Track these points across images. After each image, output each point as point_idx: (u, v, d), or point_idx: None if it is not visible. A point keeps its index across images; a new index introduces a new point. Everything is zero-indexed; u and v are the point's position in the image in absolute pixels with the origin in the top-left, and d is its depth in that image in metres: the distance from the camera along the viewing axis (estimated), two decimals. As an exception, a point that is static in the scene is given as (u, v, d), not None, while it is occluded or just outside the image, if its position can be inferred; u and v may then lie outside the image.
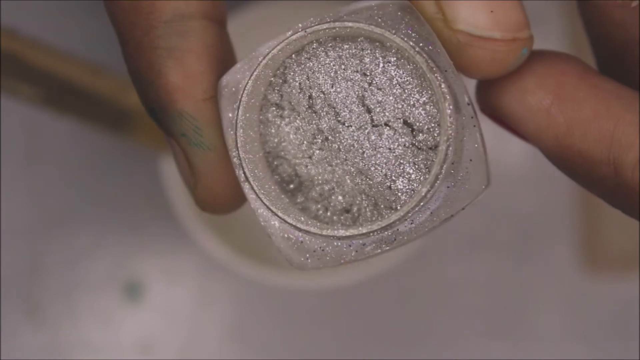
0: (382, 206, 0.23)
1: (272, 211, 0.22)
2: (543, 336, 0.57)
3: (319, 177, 0.23)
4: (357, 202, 0.23)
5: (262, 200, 0.22)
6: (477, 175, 0.22)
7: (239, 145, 0.22)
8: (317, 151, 0.23)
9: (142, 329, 0.57)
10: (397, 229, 0.22)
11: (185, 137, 0.23)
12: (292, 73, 0.23)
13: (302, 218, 0.22)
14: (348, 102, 0.22)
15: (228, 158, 0.23)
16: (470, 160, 0.22)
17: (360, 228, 0.22)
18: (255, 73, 0.22)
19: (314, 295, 0.58)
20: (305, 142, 0.23)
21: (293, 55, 0.23)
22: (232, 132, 0.22)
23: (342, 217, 0.23)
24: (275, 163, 0.23)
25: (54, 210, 0.57)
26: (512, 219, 0.58)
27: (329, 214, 0.23)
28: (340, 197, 0.23)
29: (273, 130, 0.23)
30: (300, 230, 0.22)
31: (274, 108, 0.23)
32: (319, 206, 0.23)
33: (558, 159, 0.23)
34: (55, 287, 0.57)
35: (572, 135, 0.22)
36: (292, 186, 0.23)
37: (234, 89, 0.23)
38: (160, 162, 0.53)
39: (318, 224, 0.22)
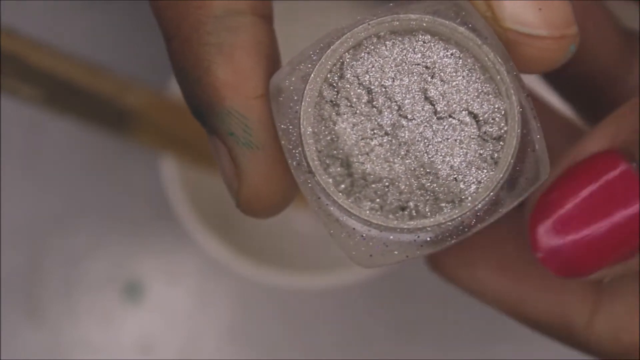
0: (443, 200, 0.22)
1: (341, 206, 0.22)
2: (543, 336, 0.57)
3: (375, 174, 0.22)
4: (415, 198, 0.22)
5: (331, 195, 0.22)
6: (537, 165, 0.22)
7: (303, 140, 0.22)
8: (377, 147, 0.22)
9: (142, 329, 0.57)
10: (463, 221, 0.22)
11: (233, 136, 0.23)
12: (350, 68, 0.22)
13: (369, 212, 0.22)
14: (410, 95, 0.22)
15: (277, 159, 0.23)
16: (533, 150, 0.22)
17: (432, 219, 0.22)
18: (318, 66, 0.22)
19: (314, 295, 0.58)
20: (363, 138, 0.22)
21: (350, 50, 0.22)
22: (291, 127, 0.22)
23: (397, 215, 0.22)
24: (327, 162, 0.23)
25: (54, 210, 0.57)
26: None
27: (384, 211, 0.22)
28: (397, 194, 0.22)
29: (327, 128, 0.23)
30: (373, 225, 0.22)
31: (328, 105, 0.23)
32: (373, 204, 0.23)
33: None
34: (55, 287, 0.57)
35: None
36: (343, 186, 0.23)
37: (292, 86, 0.22)
38: (160, 162, 0.53)
39: (386, 218, 0.22)
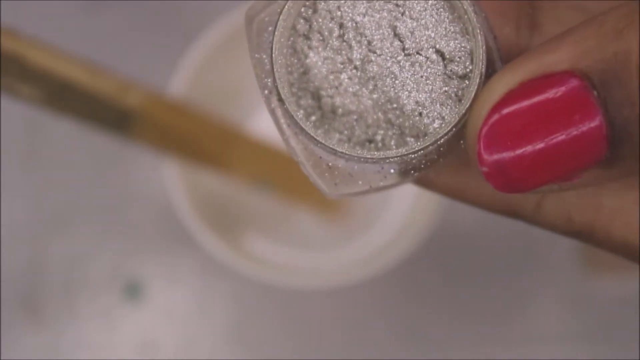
0: (408, 135, 0.23)
1: (308, 133, 0.22)
2: (542, 336, 0.57)
3: (344, 108, 0.23)
4: (381, 131, 0.23)
5: (299, 123, 0.22)
6: None
7: (275, 68, 0.22)
8: (346, 81, 0.23)
9: (142, 329, 0.57)
10: (426, 155, 0.22)
11: None
12: (323, 2, 0.23)
13: (335, 142, 0.22)
14: (380, 31, 0.23)
15: None
16: None
17: (398, 150, 0.22)
18: None
19: (314, 295, 0.58)
20: (333, 72, 0.23)
21: None
22: (264, 57, 0.23)
23: (364, 147, 0.23)
24: (298, 94, 0.23)
25: (54, 210, 0.57)
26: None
27: (351, 143, 0.23)
28: (364, 127, 0.23)
29: (299, 61, 0.23)
30: (338, 154, 0.22)
31: (301, 38, 0.23)
32: (341, 137, 0.23)
33: None
34: (55, 287, 0.57)
35: None
36: (313, 118, 0.23)
37: (267, 18, 0.23)
38: (161, 162, 0.53)
39: (352, 147, 0.22)
